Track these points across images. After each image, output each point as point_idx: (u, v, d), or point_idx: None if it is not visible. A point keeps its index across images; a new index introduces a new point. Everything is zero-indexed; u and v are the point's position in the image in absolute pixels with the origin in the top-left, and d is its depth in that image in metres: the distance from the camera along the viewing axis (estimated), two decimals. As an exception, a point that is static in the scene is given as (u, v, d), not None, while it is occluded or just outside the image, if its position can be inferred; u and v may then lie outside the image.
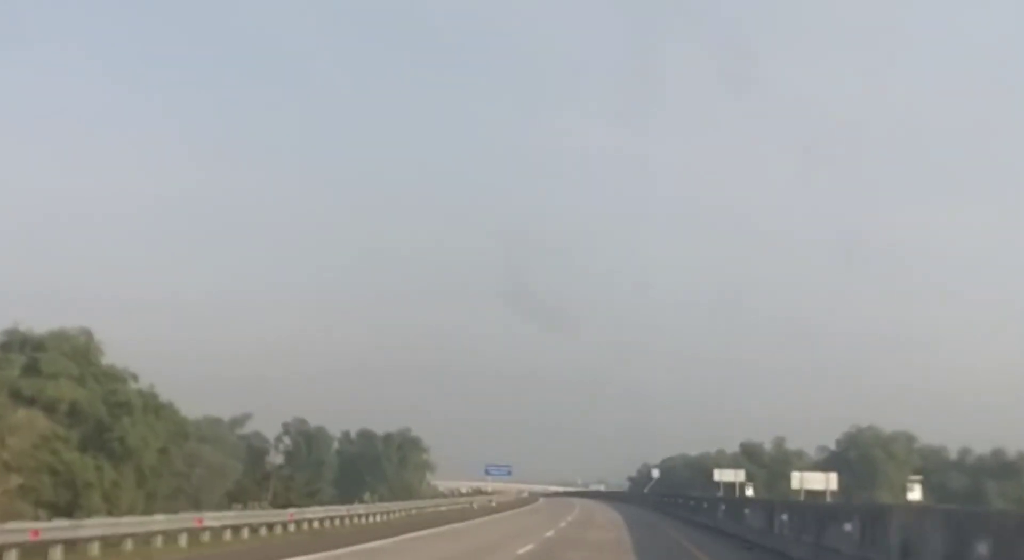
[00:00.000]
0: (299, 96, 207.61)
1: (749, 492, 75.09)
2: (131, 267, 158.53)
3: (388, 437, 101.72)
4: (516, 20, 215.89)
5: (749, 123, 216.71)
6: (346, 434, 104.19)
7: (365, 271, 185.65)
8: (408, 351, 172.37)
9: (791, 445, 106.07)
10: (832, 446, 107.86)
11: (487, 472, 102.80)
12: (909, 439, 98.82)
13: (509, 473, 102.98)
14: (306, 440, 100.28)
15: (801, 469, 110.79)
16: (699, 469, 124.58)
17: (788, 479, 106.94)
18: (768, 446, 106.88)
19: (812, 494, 54.53)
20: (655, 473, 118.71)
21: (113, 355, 42.87)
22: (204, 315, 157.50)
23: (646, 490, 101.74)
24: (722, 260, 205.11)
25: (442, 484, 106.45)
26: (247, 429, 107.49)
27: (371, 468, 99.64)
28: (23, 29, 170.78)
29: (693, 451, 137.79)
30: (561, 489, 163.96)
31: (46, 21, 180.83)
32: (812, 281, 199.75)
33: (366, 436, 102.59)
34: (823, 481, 55.92)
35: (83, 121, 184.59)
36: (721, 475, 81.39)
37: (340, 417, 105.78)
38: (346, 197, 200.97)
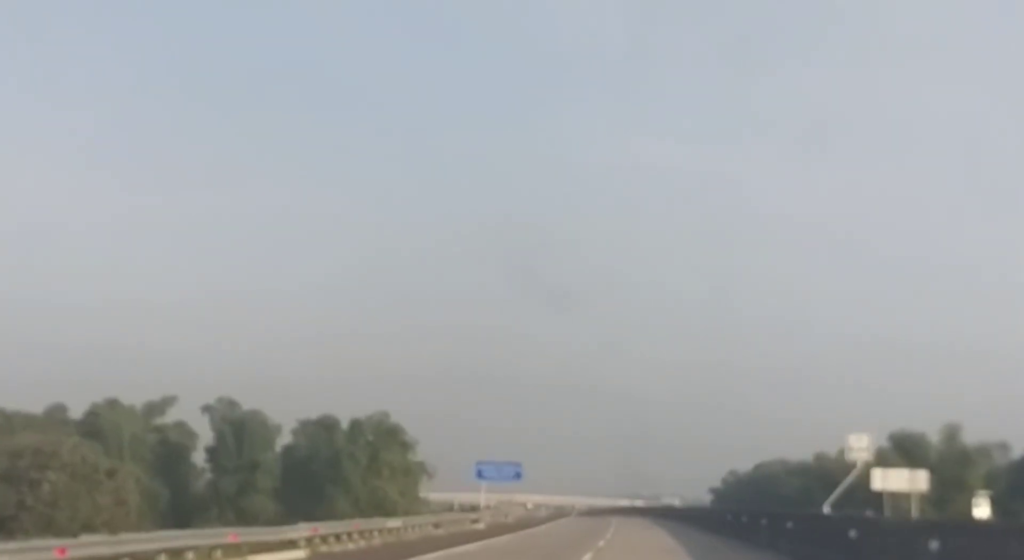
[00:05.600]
0: (302, 101, 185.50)
1: (982, 512, 39.88)
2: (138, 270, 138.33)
3: (355, 425, 68.35)
4: (518, 18, 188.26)
5: (753, 117, 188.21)
6: (304, 424, 71.17)
7: (366, 270, 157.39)
8: (411, 350, 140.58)
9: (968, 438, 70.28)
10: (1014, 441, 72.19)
11: (479, 475, 69.33)
12: None
13: (518, 476, 69.73)
14: (235, 431, 67.65)
15: (991, 472, 75.74)
16: (815, 476, 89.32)
17: (968, 489, 73.17)
18: (934, 439, 71.23)
19: None
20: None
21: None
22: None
23: (825, 507, 47.31)
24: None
25: (436, 496, 73.38)
26: (170, 417, 75.70)
27: (331, 471, 66.69)
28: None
29: (797, 453, 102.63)
30: (626, 503, 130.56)
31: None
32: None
33: (325, 426, 69.39)
34: None
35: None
36: (885, 480, 47.15)
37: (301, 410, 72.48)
38: (347, 196, 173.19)
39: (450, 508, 73.47)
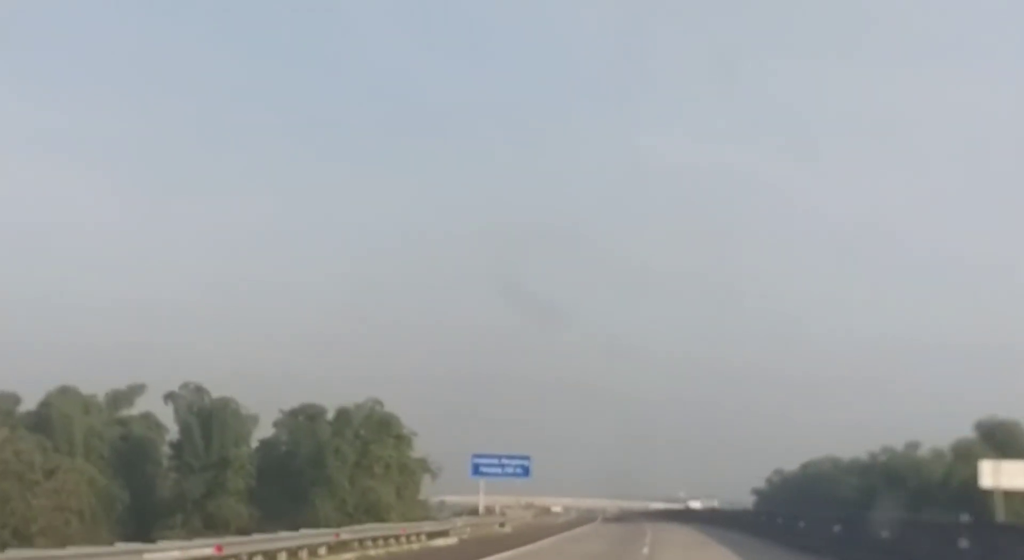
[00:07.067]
0: (297, 103, 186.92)
1: None
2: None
3: (342, 415, 58.43)
4: (517, 20, 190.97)
5: (755, 117, 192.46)
6: (287, 415, 61.21)
7: (365, 272, 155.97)
8: (410, 349, 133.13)
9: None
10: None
11: (476, 471, 59.13)
12: None
13: (526, 472, 59.64)
14: (202, 423, 57.94)
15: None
16: (877, 473, 78.74)
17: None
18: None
19: None
20: None
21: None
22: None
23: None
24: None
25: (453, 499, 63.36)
26: (138, 408, 66.19)
27: (314, 469, 56.86)
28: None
29: (842, 452, 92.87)
30: (660, 505, 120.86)
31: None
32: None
33: (309, 416, 59.51)
34: None
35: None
36: (997, 476, 36.70)
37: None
38: (346, 199, 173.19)
39: (465, 512, 64.13)
